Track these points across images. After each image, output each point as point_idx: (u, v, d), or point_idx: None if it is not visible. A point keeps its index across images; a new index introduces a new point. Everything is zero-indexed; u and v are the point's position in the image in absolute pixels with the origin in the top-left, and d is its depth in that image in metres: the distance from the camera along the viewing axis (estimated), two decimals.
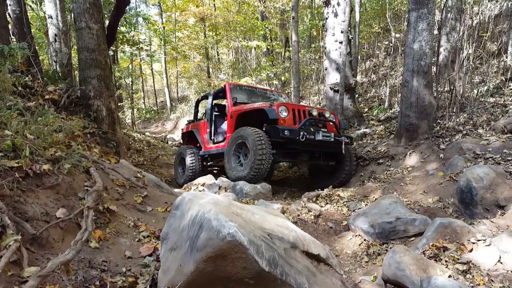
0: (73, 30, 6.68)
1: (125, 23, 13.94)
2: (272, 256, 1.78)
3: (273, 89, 12.06)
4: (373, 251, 3.39)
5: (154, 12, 23.97)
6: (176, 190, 4.92)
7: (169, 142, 15.31)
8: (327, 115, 5.87)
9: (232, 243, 1.68)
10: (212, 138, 6.89)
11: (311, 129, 5.39)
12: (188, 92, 25.33)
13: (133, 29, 17.33)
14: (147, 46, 20.53)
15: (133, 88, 21.69)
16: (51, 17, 7.05)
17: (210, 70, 22.17)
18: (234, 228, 1.70)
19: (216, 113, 7.32)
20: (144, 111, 22.91)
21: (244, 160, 5.51)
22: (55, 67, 6.81)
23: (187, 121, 8.16)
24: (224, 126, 7.04)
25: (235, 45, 16.74)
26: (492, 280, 2.54)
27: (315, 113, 5.61)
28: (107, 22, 6.99)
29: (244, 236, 1.70)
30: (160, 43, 21.50)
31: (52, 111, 4.27)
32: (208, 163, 7.36)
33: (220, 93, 7.01)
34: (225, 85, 6.63)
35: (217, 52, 22.22)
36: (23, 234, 1.97)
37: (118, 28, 8.49)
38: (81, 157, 3.06)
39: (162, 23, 21.39)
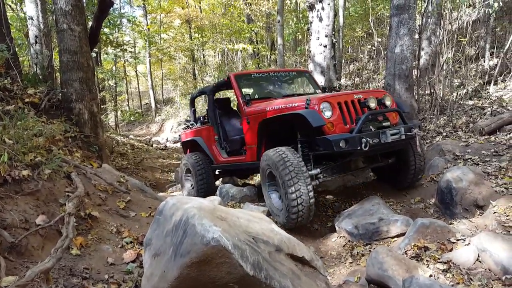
0: (55, 32, 6.56)
1: (108, 24, 13.76)
2: (257, 260, 1.78)
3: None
4: (357, 252, 3.44)
5: (139, 13, 23.75)
6: (161, 194, 4.88)
7: (154, 145, 15.18)
8: (388, 102, 4.02)
9: (217, 248, 1.68)
10: (224, 146, 5.39)
11: (371, 127, 3.73)
12: (173, 94, 25.18)
13: (117, 30, 17.13)
14: (132, 48, 20.30)
15: (117, 90, 21.44)
16: (31, 18, 6.90)
17: (196, 72, 22.08)
18: (218, 232, 1.70)
19: (220, 112, 5.66)
20: (128, 114, 22.66)
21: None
22: (35, 69, 6.67)
23: (185, 122, 6.69)
24: (235, 126, 5.64)
25: (221, 47, 16.72)
26: (471, 279, 2.61)
27: (373, 104, 3.83)
28: (90, 23, 6.88)
29: (229, 241, 1.70)
30: (145, 44, 21.32)
31: (32, 114, 4.17)
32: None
33: (221, 87, 5.61)
34: (228, 77, 5.01)
35: (203, 54, 22.15)
36: (0, 242, 1.92)
37: (102, 29, 8.36)
38: (62, 162, 3.01)
39: (147, 25, 21.22)
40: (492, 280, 2.57)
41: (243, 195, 5.05)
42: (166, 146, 15.27)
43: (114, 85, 19.61)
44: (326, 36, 7.38)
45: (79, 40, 5.13)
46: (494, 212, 3.42)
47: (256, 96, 5.07)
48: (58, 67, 6.06)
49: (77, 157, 3.91)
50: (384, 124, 3.89)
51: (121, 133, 17.16)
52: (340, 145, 3.45)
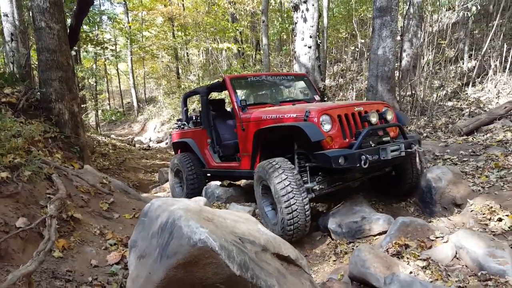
0: (32, 29, 6.39)
1: (88, 21, 13.49)
2: (243, 260, 1.80)
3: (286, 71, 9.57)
4: (341, 250, 3.50)
5: (120, 10, 23.36)
6: (144, 195, 4.83)
7: (137, 145, 14.99)
8: (389, 117, 3.91)
9: (204, 249, 1.69)
10: (217, 150, 5.22)
11: (370, 142, 3.63)
12: (156, 93, 24.91)
13: (96, 27, 16.81)
14: (113, 46, 19.95)
15: (98, 89, 21.05)
16: (6, 15, 6.69)
17: (180, 71, 21.90)
18: (205, 234, 1.71)
19: (213, 114, 5.47)
20: (109, 113, 22.28)
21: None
22: (12, 68, 6.49)
23: (176, 122, 6.44)
24: (229, 130, 5.44)
25: (205, 46, 16.63)
26: (449, 275, 2.69)
27: (374, 119, 3.71)
28: (69, 21, 6.74)
29: (216, 242, 1.71)
30: (126, 42, 20.96)
31: (10, 115, 4.08)
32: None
33: (215, 89, 5.40)
34: (224, 79, 4.79)
35: (187, 53, 21.97)
36: None
37: (81, 27, 8.17)
38: (42, 163, 2.95)
39: (128, 22, 20.88)
40: (469, 276, 2.66)
41: (229, 196, 5.05)
42: (149, 146, 15.11)
43: (95, 84, 19.22)
44: (310, 37, 7.45)
45: (58, 39, 5.02)
46: (471, 211, 3.54)
47: (252, 101, 4.92)
48: (36, 66, 5.91)
49: (58, 158, 3.83)
50: (384, 139, 3.78)
51: (102, 133, 16.87)
52: (339, 161, 3.33)
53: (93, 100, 19.38)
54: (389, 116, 3.91)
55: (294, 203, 3.37)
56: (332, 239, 3.76)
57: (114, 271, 2.19)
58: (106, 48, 16.52)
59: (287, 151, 3.98)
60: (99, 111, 20.37)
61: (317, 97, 5.13)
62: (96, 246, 2.46)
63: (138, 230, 2.07)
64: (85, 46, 15.08)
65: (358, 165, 3.35)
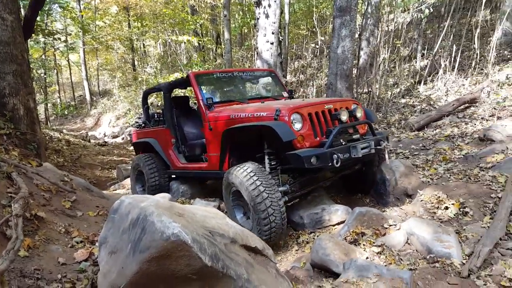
0: None
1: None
2: (214, 252, 1.89)
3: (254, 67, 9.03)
4: (303, 240, 3.68)
5: None
6: (104, 192, 4.71)
7: (92, 141, 14.44)
8: (358, 114, 3.93)
9: (177, 243, 1.76)
10: (183, 151, 5.00)
11: (341, 140, 3.65)
12: (110, 86, 24.02)
13: (46, 16, 15.86)
14: (64, 36, 18.87)
15: (47, 81, 19.89)
16: None
17: (136, 63, 21.22)
18: (178, 228, 1.78)
19: (177, 112, 5.18)
20: (60, 107, 21.18)
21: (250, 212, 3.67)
22: None
23: (136, 120, 6.04)
24: (194, 129, 5.27)
25: (163, 38, 16.24)
26: (402, 259, 2.95)
27: (345, 117, 3.70)
28: (23, 12, 6.37)
29: (188, 235, 1.79)
30: (78, 32, 19.90)
31: None
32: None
33: (179, 86, 5.19)
34: (188, 76, 4.56)
35: (143, 44, 21.31)
36: None
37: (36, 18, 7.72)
38: (0, 162, 2.83)
39: (80, 11, 19.85)
40: (419, 259, 2.94)
41: (193, 192, 5.05)
42: (105, 142, 14.58)
43: (44, 75, 18.11)
44: (272, 33, 7.59)
45: (12, 30, 4.76)
46: (421, 200, 3.85)
47: (219, 99, 4.72)
48: None
49: (15, 156, 3.68)
50: (354, 137, 3.81)
51: (53, 127, 16.02)
52: (312, 161, 3.27)
53: (42, 93, 18.30)
54: (359, 114, 3.92)
55: (269, 206, 3.30)
56: (295, 231, 3.93)
57: (83, 268, 2.20)
58: (58, 38, 15.65)
59: (257, 151, 3.90)
60: (49, 105, 19.29)
61: (285, 94, 5.06)
62: (62, 244, 2.43)
63: (108, 226, 2.09)
64: (36, 36, 14.20)
65: (330, 164, 3.31)
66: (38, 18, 13.13)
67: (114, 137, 16.33)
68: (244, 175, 3.40)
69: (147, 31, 17.63)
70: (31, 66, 14.21)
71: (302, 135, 3.46)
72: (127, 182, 7.02)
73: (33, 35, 13.41)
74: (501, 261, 2.70)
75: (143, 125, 5.77)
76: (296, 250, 3.57)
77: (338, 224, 3.73)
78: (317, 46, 12.56)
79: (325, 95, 7.97)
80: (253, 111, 3.77)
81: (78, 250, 2.38)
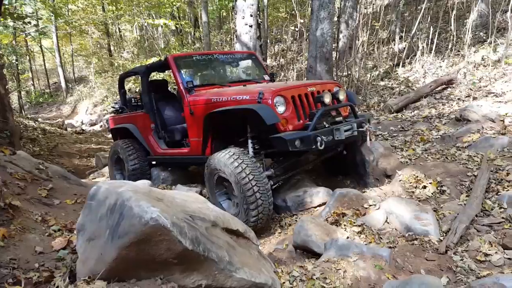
0: None
1: None
2: (195, 235, 1.88)
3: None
4: (285, 223, 3.71)
5: None
6: (83, 181, 4.60)
7: (68, 129, 14.10)
8: (341, 96, 3.89)
9: (156, 227, 1.74)
10: (163, 136, 4.89)
11: (324, 123, 3.65)
12: (86, 72, 23.36)
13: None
14: (35, 20, 18.06)
15: (19, 68, 19.13)
16: None
17: (112, 48, 20.63)
18: (156, 212, 1.75)
19: (156, 96, 5.04)
20: (35, 94, 20.47)
21: (236, 197, 3.60)
22: None
23: (113, 106, 5.88)
24: (175, 113, 5.14)
25: (139, 21, 15.78)
26: (381, 238, 3.02)
27: (328, 100, 3.67)
28: None
29: (167, 219, 1.77)
30: (50, 16, 19.07)
31: None
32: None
33: (156, 69, 5.02)
34: (167, 58, 4.41)
35: (119, 29, 20.68)
36: None
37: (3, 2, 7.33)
38: None
39: None
40: (398, 238, 3.01)
41: (174, 178, 5.00)
42: (83, 130, 14.27)
43: (15, 62, 17.39)
44: (251, 15, 7.46)
45: None
46: (400, 180, 3.93)
47: (199, 82, 4.56)
48: None
49: None
50: (337, 119, 3.81)
51: (28, 116, 15.54)
52: (296, 144, 3.27)
53: (14, 80, 17.61)
54: (341, 96, 3.90)
55: (257, 191, 3.30)
56: (278, 214, 3.95)
57: (61, 256, 2.15)
58: (29, 23, 14.97)
59: (239, 135, 3.88)
60: (23, 93, 18.62)
61: (266, 77, 4.99)
62: (39, 233, 2.37)
63: (85, 213, 2.05)
64: (4, 20, 13.53)
65: (314, 147, 3.32)
66: (6, 2, 12.56)
67: (92, 125, 16.01)
68: (230, 161, 3.35)
69: (122, 14, 17.05)
70: (1, 52, 13.66)
71: (286, 118, 3.46)
72: (107, 170, 6.90)
73: (1, 19, 12.82)
74: (477, 237, 2.79)
75: (120, 110, 5.61)
76: (279, 232, 3.60)
77: (320, 205, 3.77)
78: (296, 29, 12.48)
79: (305, 78, 7.97)
80: (235, 94, 3.70)
81: (56, 239, 2.33)
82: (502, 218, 2.99)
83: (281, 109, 3.44)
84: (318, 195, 3.82)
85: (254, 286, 2.07)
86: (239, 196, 3.38)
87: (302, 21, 11.39)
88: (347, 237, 3.00)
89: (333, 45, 7.46)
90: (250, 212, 3.33)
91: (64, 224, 2.59)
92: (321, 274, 2.43)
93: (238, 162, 3.33)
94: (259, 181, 3.31)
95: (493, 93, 5.95)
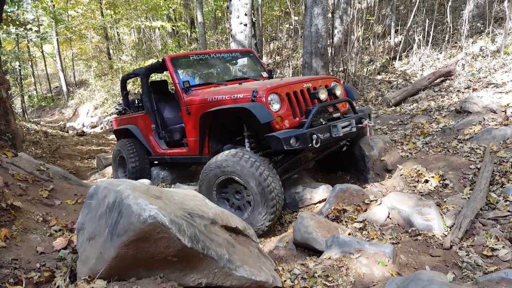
0: None
1: (8, 0, 12.16)
2: (194, 233, 1.88)
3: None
4: (285, 220, 3.69)
5: None
6: (84, 181, 4.62)
7: (70, 132, 14.15)
8: (338, 92, 3.85)
9: (154, 225, 1.74)
10: (163, 136, 4.91)
11: (321, 120, 3.55)
12: (87, 76, 23.46)
13: (17, 6, 15.22)
14: (37, 27, 18.17)
15: (22, 73, 19.25)
16: None
17: (111, 51, 20.74)
18: (155, 210, 1.76)
19: (156, 97, 5.11)
20: (37, 99, 20.57)
21: (239, 201, 3.49)
22: None
23: (116, 107, 5.99)
24: (174, 114, 5.18)
25: (137, 24, 15.82)
26: (384, 234, 2.98)
27: (324, 96, 3.63)
28: None
29: (166, 217, 1.77)
30: (51, 22, 19.20)
31: None
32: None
33: (155, 70, 5.06)
34: (164, 59, 4.45)
35: (117, 32, 20.77)
36: None
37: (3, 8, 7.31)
38: None
39: (52, 1, 19.11)
40: (401, 233, 2.97)
41: (174, 177, 5.02)
42: (84, 132, 14.35)
43: (18, 68, 17.54)
44: (246, 14, 7.46)
45: None
46: (401, 175, 3.89)
47: (196, 82, 4.56)
48: None
49: None
50: (334, 115, 3.71)
51: (31, 119, 15.64)
52: (291, 143, 3.20)
53: (17, 85, 17.74)
54: (338, 92, 3.85)
55: (272, 182, 3.21)
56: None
57: (62, 256, 2.16)
58: (30, 29, 15.03)
59: (236, 134, 3.84)
60: (26, 97, 18.74)
61: (264, 74, 4.96)
62: (41, 233, 2.39)
63: (85, 212, 2.05)
64: (6, 27, 13.58)
65: (310, 145, 3.26)
66: (9, 10, 12.56)
67: (93, 127, 16.10)
68: (242, 160, 3.23)
69: (120, 18, 17.13)
70: (4, 58, 13.70)
71: (281, 116, 3.38)
72: (107, 171, 6.95)
73: (4, 26, 12.83)
74: (482, 231, 2.73)
75: (123, 111, 5.70)
76: (279, 230, 3.57)
77: (320, 202, 3.74)
78: (291, 27, 12.48)
79: (301, 75, 7.97)
80: (229, 93, 3.65)
81: (57, 239, 2.34)
82: (508, 211, 2.93)
83: (275, 107, 3.38)
84: (317, 191, 3.79)
85: (254, 285, 2.06)
86: (256, 199, 3.24)
87: (296, 18, 11.38)
88: (349, 234, 2.95)
89: (328, 40, 7.44)
90: (269, 215, 3.26)
91: (65, 224, 2.60)
92: (322, 272, 2.40)
93: (257, 164, 3.21)
94: (271, 173, 3.23)
95: (494, 83, 5.89)
